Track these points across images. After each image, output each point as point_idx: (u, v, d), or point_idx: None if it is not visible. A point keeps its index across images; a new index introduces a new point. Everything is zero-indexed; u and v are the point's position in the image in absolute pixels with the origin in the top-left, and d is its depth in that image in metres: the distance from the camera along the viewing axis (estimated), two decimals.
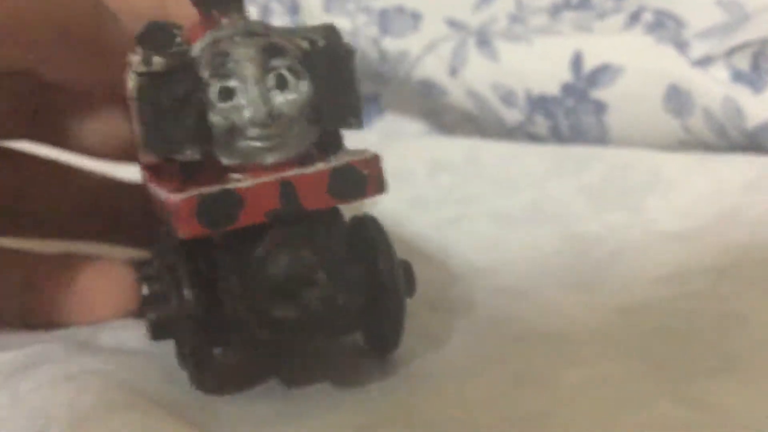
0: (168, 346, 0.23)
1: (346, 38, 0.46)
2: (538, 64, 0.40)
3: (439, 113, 0.45)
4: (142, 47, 0.20)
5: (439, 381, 0.22)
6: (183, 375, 0.23)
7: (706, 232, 0.31)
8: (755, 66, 0.36)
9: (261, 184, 0.19)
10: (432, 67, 0.42)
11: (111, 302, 0.28)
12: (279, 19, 0.48)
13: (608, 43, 0.39)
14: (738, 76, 0.36)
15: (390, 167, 0.21)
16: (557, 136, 0.41)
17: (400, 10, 0.44)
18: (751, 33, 0.36)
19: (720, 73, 0.37)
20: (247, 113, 0.19)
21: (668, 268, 0.28)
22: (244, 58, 0.19)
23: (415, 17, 0.43)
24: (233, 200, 0.19)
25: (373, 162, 0.20)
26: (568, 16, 0.40)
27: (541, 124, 0.41)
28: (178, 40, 0.20)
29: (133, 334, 0.26)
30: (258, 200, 0.19)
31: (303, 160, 0.20)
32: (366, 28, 0.44)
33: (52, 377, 0.22)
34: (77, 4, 0.23)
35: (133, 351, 0.25)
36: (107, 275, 0.29)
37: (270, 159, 0.20)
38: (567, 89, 0.39)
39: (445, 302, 0.28)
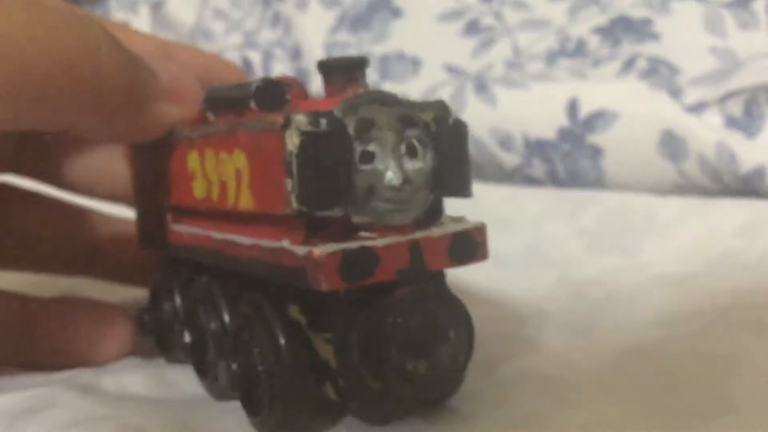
0: (171, 391, 0.23)
1: None
2: (535, 109, 0.41)
3: None
4: (256, 102, 0.22)
5: (441, 424, 0.23)
6: (188, 420, 0.23)
7: (701, 276, 0.31)
8: (748, 112, 0.37)
9: (395, 244, 0.20)
10: None
11: (105, 345, 0.29)
12: (281, 65, 0.49)
13: (603, 90, 0.39)
14: (731, 122, 0.37)
15: None
16: (554, 180, 0.41)
17: (400, 56, 0.45)
18: (743, 80, 0.37)
19: (713, 118, 0.37)
20: (386, 177, 0.20)
21: (664, 311, 0.29)
22: (386, 126, 0.20)
23: (415, 63, 0.44)
24: (371, 258, 0.20)
25: (482, 230, 0.22)
26: (564, 63, 0.41)
27: (538, 168, 0.41)
28: (288, 98, 0.22)
29: (135, 378, 0.26)
30: (391, 259, 0.20)
31: (418, 223, 0.21)
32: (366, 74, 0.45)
33: (58, 422, 0.22)
34: (112, 62, 0.23)
35: (137, 395, 0.25)
36: (102, 318, 0.29)
37: (396, 220, 0.21)
38: (563, 134, 0.40)
39: None
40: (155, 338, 0.29)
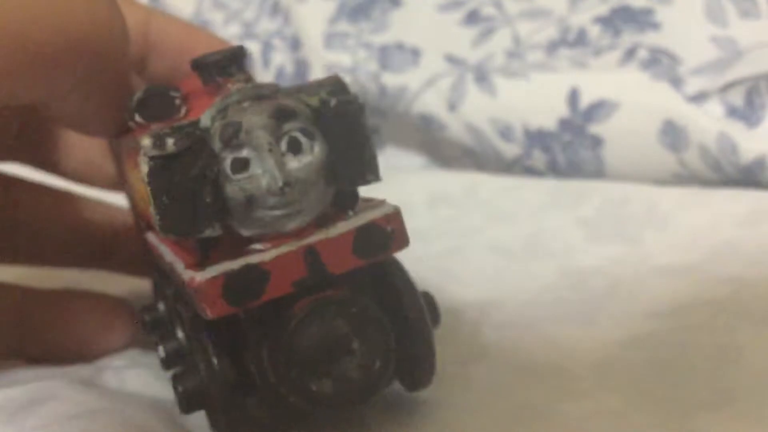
0: (171, 389, 0.23)
1: (346, 74, 0.47)
2: (536, 99, 0.40)
3: (438, 147, 0.45)
4: (140, 114, 0.20)
5: (441, 415, 0.23)
6: (186, 419, 0.23)
7: (701, 266, 0.31)
8: (749, 101, 0.37)
9: (285, 255, 0.19)
10: (431, 102, 0.43)
11: (106, 337, 0.28)
12: (280, 55, 0.49)
13: (604, 80, 0.39)
14: (732, 112, 0.37)
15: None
16: (555, 170, 0.41)
17: (399, 46, 0.45)
18: (744, 69, 0.37)
19: (714, 108, 0.37)
20: (263, 183, 0.18)
21: (664, 301, 0.29)
22: (256, 126, 0.18)
23: (415, 53, 0.44)
24: (258, 275, 0.18)
25: (394, 216, 0.20)
26: (565, 52, 0.41)
27: (538, 159, 0.41)
28: (177, 103, 0.20)
29: (136, 373, 0.26)
30: (283, 271, 0.19)
31: (322, 221, 0.19)
32: (366, 64, 0.45)
33: (58, 415, 0.22)
34: (114, 37, 0.21)
35: (137, 391, 0.25)
36: (101, 311, 0.29)
37: (290, 225, 0.19)
38: (564, 124, 0.40)
39: (445, 336, 0.28)
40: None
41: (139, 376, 0.26)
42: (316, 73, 0.46)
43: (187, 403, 0.21)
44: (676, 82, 0.38)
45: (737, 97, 0.37)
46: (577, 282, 0.32)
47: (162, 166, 0.18)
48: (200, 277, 0.18)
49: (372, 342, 0.20)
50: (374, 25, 0.46)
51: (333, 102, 0.20)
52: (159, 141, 0.18)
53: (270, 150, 0.18)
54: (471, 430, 0.22)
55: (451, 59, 0.43)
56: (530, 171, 0.42)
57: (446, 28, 0.44)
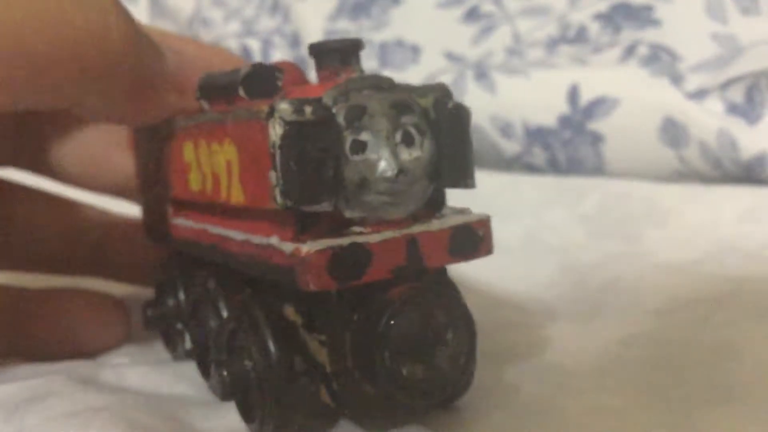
0: (171, 386, 0.23)
1: None
2: (536, 96, 0.40)
3: None
4: (245, 89, 0.20)
5: (441, 414, 0.23)
6: (185, 416, 0.23)
7: (701, 263, 0.31)
8: (749, 98, 0.37)
9: (389, 240, 0.19)
10: None
11: (98, 334, 0.28)
12: (281, 53, 0.49)
13: (604, 76, 0.39)
14: (732, 109, 0.37)
15: None
16: (555, 167, 0.41)
17: (399, 43, 0.45)
18: (745, 66, 0.37)
19: (715, 105, 0.37)
20: (379, 168, 0.19)
21: (664, 298, 0.29)
22: (378, 113, 0.19)
23: (415, 50, 0.44)
24: (363, 255, 0.19)
25: (486, 223, 0.21)
26: (565, 49, 0.41)
27: (538, 155, 0.41)
28: (280, 84, 0.21)
29: (135, 371, 0.26)
30: (385, 256, 0.19)
31: (417, 216, 0.20)
32: (366, 61, 0.45)
33: (57, 413, 0.22)
34: (122, 44, 0.22)
35: (136, 389, 0.25)
36: (94, 308, 0.29)
37: (392, 214, 0.20)
38: (564, 121, 0.40)
39: None
40: (161, 334, 0.29)
41: (138, 373, 0.26)
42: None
43: (231, 388, 0.21)
44: (676, 78, 0.38)
45: (737, 94, 0.37)
46: (577, 279, 0.32)
47: (297, 131, 0.18)
48: (307, 248, 0.18)
49: (461, 336, 0.20)
50: (374, 22, 0.46)
51: (450, 104, 0.20)
52: (298, 108, 0.18)
53: (388, 138, 0.19)
54: (471, 428, 0.22)
55: (451, 56, 0.43)
56: (530, 168, 0.42)
57: (446, 25, 0.44)
